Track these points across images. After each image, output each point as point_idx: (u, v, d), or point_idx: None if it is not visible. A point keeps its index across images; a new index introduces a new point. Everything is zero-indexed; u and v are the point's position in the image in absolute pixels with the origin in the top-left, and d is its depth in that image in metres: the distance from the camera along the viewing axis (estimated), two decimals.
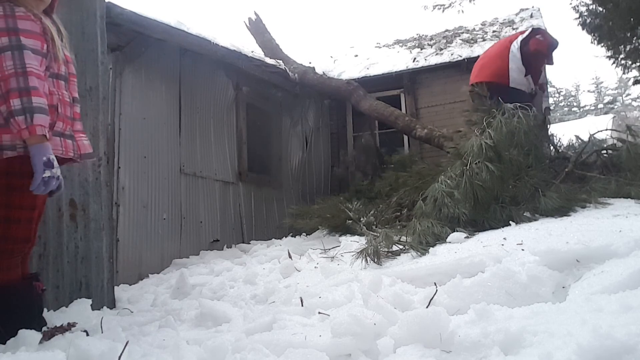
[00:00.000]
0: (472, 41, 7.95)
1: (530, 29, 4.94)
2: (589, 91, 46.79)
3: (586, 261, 2.06)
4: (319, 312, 2.13)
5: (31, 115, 1.68)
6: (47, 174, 1.71)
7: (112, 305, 2.71)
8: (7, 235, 1.83)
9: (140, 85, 4.68)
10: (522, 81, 4.63)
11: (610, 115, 25.60)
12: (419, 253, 3.05)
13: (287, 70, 6.79)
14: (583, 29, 7.57)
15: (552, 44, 4.86)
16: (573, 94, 44.78)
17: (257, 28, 8.25)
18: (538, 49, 4.69)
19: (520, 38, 4.73)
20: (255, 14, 8.39)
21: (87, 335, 1.87)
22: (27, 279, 1.94)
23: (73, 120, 1.99)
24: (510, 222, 3.28)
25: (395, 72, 7.46)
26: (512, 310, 1.68)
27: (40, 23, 1.83)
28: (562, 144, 6.48)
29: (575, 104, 44.12)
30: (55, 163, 1.75)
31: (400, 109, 7.08)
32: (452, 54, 7.49)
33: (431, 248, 3.06)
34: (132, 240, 4.34)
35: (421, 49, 8.19)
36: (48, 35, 1.85)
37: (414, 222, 3.44)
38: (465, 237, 3.09)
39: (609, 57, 7.64)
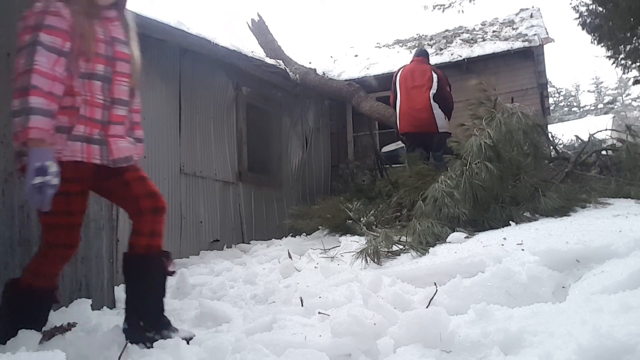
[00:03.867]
0: (472, 41, 7.95)
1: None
2: (589, 91, 46.80)
3: (586, 261, 2.06)
4: (319, 312, 2.13)
5: (27, 116, 1.59)
6: (38, 180, 1.57)
7: (112, 305, 2.71)
8: (49, 241, 1.83)
9: (140, 85, 4.67)
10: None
11: (610, 115, 25.60)
12: (419, 253, 3.05)
13: (288, 71, 6.80)
14: (583, 29, 7.57)
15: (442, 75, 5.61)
16: (573, 94, 44.79)
17: (259, 29, 8.27)
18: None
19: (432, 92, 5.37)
20: (258, 15, 8.40)
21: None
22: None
23: (108, 124, 1.85)
24: (510, 222, 3.28)
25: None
26: (512, 310, 1.68)
27: (68, 19, 1.71)
28: (562, 144, 6.47)
29: (575, 104, 44.12)
30: (52, 170, 1.60)
31: None
32: (452, 54, 7.50)
33: (431, 248, 3.05)
34: None
35: None
36: (76, 32, 1.73)
37: (414, 222, 3.44)
38: (465, 237, 3.09)
39: (609, 57, 7.64)
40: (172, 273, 2.00)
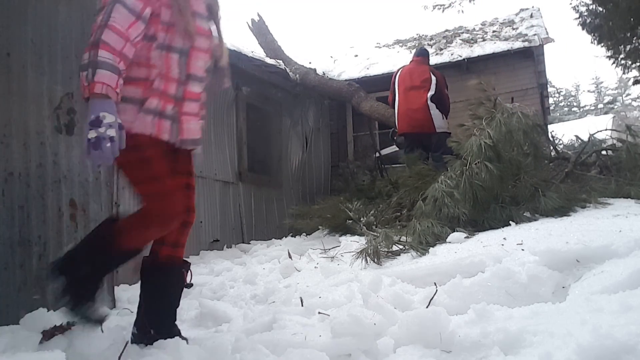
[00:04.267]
0: (472, 41, 7.95)
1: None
2: (589, 91, 46.82)
3: (586, 261, 2.05)
4: (319, 312, 2.13)
5: (93, 70, 1.49)
6: (92, 134, 1.45)
7: (112, 305, 2.71)
8: (162, 210, 1.72)
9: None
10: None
11: (610, 115, 25.61)
12: (419, 253, 3.05)
13: (288, 71, 6.80)
14: (583, 29, 7.58)
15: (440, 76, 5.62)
16: (573, 94, 44.79)
17: (259, 29, 8.27)
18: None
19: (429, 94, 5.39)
20: (258, 15, 8.40)
21: (102, 331, 1.87)
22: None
23: (181, 100, 1.77)
24: (510, 222, 3.28)
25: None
26: (512, 310, 1.68)
27: None
28: (562, 144, 6.47)
29: (575, 104, 44.12)
30: (107, 120, 1.47)
31: None
32: (452, 54, 7.50)
33: (431, 248, 3.05)
34: None
35: None
36: (174, 4, 1.67)
37: (414, 222, 3.44)
38: (465, 237, 3.09)
39: (609, 57, 7.64)
40: (189, 285, 1.98)
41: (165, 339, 1.77)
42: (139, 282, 1.96)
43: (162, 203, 1.71)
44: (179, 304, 1.97)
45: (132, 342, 1.80)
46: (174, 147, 1.79)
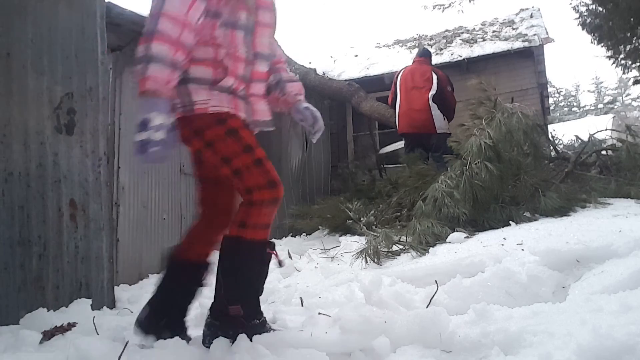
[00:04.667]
0: (472, 41, 7.95)
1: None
2: (589, 91, 46.82)
3: (586, 261, 2.06)
4: (319, 313, 2.13)
5: (146, 65, 1.42)
6: (139, 137, 1.40)
7: (112, 305, 2.71)
8: (248, 185, 1.60)
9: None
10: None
11: (610, 115, 25.59)
12: (419, 253, 3.05)
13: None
14: (583, 29, 7.57)
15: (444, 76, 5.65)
16: (573, 94, 44.79)
17: None
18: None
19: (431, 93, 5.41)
20: None
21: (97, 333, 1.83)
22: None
23: (249, 81, 1.68)
24: (510, 222, 3.29)
25: (396, 71, 7.48)
26: (511, 310, 1.68)
27: None
28: (562, 144, 6.48)
29: (575, 104, 44.12)
30: (155, 122, 1.40)
31: None
32: (452, 54, 7.50)
33: (431, 248, 3.06)
34: (132, 240, 4.34)
35: None
36: None
37: (414, 222, 3.44)
38: (465, 237, 3.09)
39: (609, 57, 7.64)
40: (280, 263, 1.80)
41: (251, 320, 1.65)
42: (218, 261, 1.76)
43: (264, 169, 1.62)
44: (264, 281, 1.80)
45: (206, 339, 1.67)
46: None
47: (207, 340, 1.69)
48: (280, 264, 1.76)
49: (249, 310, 1.69)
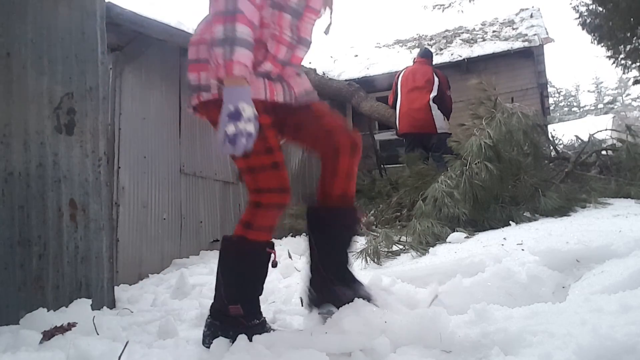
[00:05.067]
0: (472, 41, 7.95)
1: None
2: (589, 91, 46.85)
3: (586, 261, 2.05)
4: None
5: (232, 48, 1.32)
6: (230, 129, 1.32)
7: (112, 305, 2.71)
8: (260, 187, 1.59)
9: (140, 85, 4.68)
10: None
11: (610, 115, 25.61)
12: (419, 253, 3.05)
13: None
14: (583, 29, 7.58)
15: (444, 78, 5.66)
16: (573, 94, 44.80)
17: None
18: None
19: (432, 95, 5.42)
20: None
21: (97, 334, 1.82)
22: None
23: (287, 65, 1.63)
24: (510, 222, 3.29)
25: (395, 72, 7.48)
26: (511, 310, 1.68)
27: None
28: (562, 144, 6.48)
29: (575, 104, 44.13)
30: (247, 114, 1.33)
31: None
32: (452, 54, 7.50)
33: (431, 248, 3.06)
34: (132, 240, 4.34)
35: None
36: None
37: (414, 222, 3.45)
38: (465, 237, 3.09)
39: (609, 57, 7.65)
40: (274, 263, 1.77)
41: (251, 320, 1.67)
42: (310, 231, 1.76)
43: (279, 173, 1.60)
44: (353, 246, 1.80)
45: (206, 339, 1.69)
46: (285, 107, 1.63)
47: (207, 340, 1.69)
48: (274, 264, 1.75)
49: (249, 310, 1.70)
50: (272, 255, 1.72)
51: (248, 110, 1.34)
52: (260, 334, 1.63)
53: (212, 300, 1.77)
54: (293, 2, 1.55)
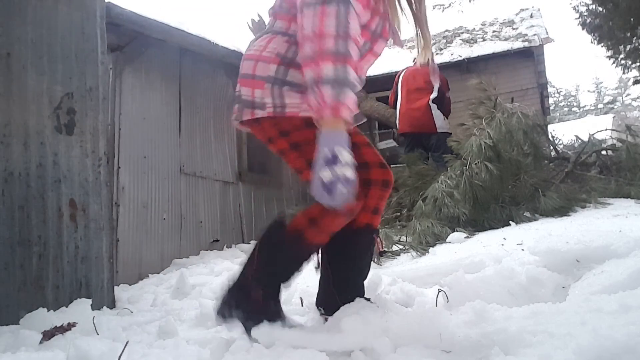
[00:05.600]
0: (472, 41, 7.95)
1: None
2: (589, 91, 46.90)
3: (586, 261, 2.05)
4: (320, 314, 2.12)
5: (343, 90, 1.29)
6: (327, 175, 1.27)
7: (112, 305, 2.71)
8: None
9: (140, 85, 4.68)
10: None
11: (610, 115, 25.62)
12: (419, 253, 3.05)
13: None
14: (583, 29, 7.58)
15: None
16: (573, 94, 44.81)
17: (260, 29, 8.26)
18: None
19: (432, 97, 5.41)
20: (259, 15, 8.40)
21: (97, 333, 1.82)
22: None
23: None
24: (510, 222, 3.29)
25: (396, 72, 7.48)
26: (511, 310, 1.67)
27: None
28: (562, 144, 6.48)
29: (575, 104, 44.14)
30: (344, 158, 1.27)
31: None
32: (452, 54, 7.50)
33: (431, 248, 3.06)
34: (132, 240, 4.34)
35: None
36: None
37: (414, 222, 3.45)
38: (465, 237, 3.09)
39: (609, 57, 7.65)
40: (381, 252, 1.82)
41: (352, 300, 1.66)
42: (326, 252, 1.74)
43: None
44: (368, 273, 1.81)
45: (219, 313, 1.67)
46: None
47: (223, 313, 1.66)
48: (317, 265, 1.76)
49: (268, 299, 1.69)
50: (315, 256, 1.72)
51: (345, 155, 1.29)
52: (274, 320, 1.61)
53: (212, 300, 1.77)
54: (360, 43, 1.51)
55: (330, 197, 1.28)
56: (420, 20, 1.65)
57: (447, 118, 5.50)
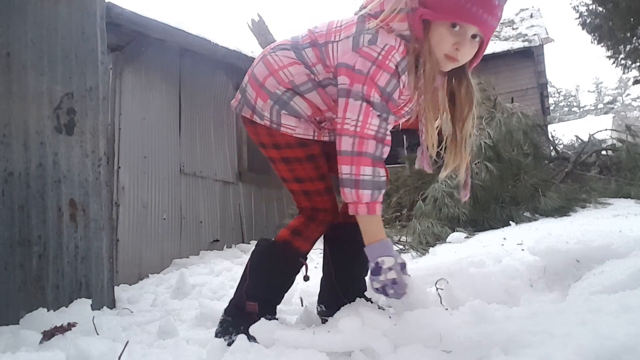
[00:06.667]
0: None
1: None
2: (589, 91, 46.90)
3: (586, 261, 2.05)
4: (320, 310, 2.12)
5: (377, 191, 1.44)
6: (375, 285, 1.48)
7: (112, 305, 2.71)
8: (314, 206, 1.76)
9: (140, 85, 4.68)
10: None
11: (610, 115, 25.62)
12: (419, 253, 3.05)
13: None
14: (583, 29, 7.59)
15: None
16: (573, 94, 44.82)
17: (259, 29, 8.29)
18: None
19: None
20: (259, 15, 8.42)
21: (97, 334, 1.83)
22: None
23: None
24: (510, 222, 3.29)
25: None
26: (511, 310, 1.68)
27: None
28: (562, 144, 6.49)
29: (575, 104, 44.15)
30: (387, 265, 1.45)
31: None
32: None
33: (431, 248, 3.06)
34: (132, 240, 4.34)
35: None
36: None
37: (414, 222, 3.45)
38: (465, 237, 3.09)
39: (609, 57, 7.66)
40: (305, 278, 1.92)
41: (354, 295, 1.73)
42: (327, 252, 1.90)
43: (332, 196, 1.75)
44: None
45: (218, 335, 1.72)
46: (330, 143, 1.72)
47: (219, 336, 1.72)
48: (305, 278, 1.83)
49: (265, 309, 1.74)
50: (305, 268, 1.80)
51: (388, 262, 1.45)
52: None
53: (212, 300, 1.78)
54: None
55: (386, 296, 1.50)
56: (460, 140, 1.68)
57: None
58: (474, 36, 1.44)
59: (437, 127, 1.69)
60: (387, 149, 1.46)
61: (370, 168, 1.43)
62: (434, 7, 1.41)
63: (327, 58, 1.55)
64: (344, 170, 1.45)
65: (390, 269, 1.46)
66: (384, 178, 1.47)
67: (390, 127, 1.48)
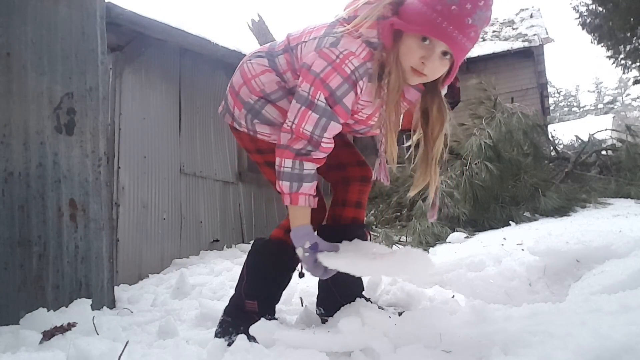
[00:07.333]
0: None
1: None
2: (589, 91, 46.90)
3: (586, 261, 2.05)
4: (319, 313, 2.12)
5: (297, 182, 1.49)
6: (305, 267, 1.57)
7: (112, 305, 2.71)
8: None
9: (140, 85, 4.68)
10: None
11: (610, 115, 25.63)
12: None
13: None
14: (583, 29, 7.59)
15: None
16: (573, 94, 44.82)
17: (259, 29, 8.29)
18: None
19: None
20: (259, 15, 8.42)
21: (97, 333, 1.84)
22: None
23: None
24: (510, 222, 3.29)
25: None
26: (511, 310, 1.68)
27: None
28: (562, 144, 6.49)
29: (575, 104, 44.15)
30: (299, 253, 1.53)
31: None
32: None
33: (431, 248, 3.06)
34: (132, 240, 4.34)
35: None
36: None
37: (414, 222, 3.45)
38: (465, 237, 3.09)
39: (609, 57, 7.66)
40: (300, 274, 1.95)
41: (352, 297, 1.75)
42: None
43: (320, 195, 1.74)
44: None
45: (218, 335, 1.73)
46: None
47: (219, 337, 1.73)
48: (300, 275, 1.82)
49: (264, 308, 1.76)
50: (300, 265, 1.79)
51: (298, 251, 1.52)
52: None
53: (212, 300, 1.79)
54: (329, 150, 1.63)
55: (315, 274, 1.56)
56: (430, 160, 1.71)
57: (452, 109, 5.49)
58: (445, 53, 1.40)
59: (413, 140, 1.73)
60: (320, 152, 1.48)
61: (291, 161, 1.47)
62: (407, 19, 1.40)
63: (296, 60, 1.58)
64: (276, 162, 1.51)
65: (308, 251, 1.51)
66: (308, 172, 1.48)
67: (333, 132, 1.49)
